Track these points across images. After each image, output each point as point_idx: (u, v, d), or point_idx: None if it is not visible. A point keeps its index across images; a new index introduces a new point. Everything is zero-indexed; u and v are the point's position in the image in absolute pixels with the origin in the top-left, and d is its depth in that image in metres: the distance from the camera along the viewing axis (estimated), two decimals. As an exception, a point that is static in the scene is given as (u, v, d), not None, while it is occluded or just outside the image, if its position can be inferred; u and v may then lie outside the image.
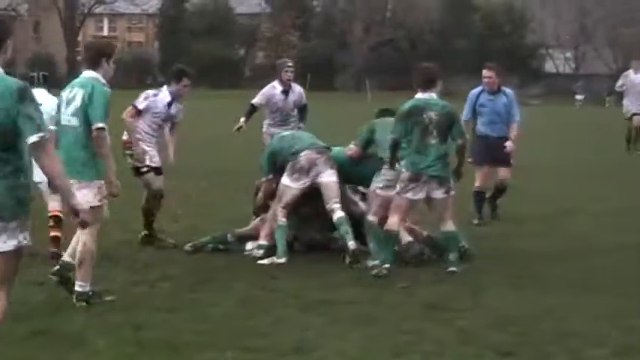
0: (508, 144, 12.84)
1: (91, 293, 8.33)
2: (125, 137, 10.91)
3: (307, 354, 6.92)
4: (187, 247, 10.71)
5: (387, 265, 9.70)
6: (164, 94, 10.91)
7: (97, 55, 8.77)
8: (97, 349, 6.99)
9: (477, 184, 13.12)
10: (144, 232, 11.01)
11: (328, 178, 10.47)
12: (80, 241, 8.36)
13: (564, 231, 12.48)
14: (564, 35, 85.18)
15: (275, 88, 13.77)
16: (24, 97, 5.68)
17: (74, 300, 8.32)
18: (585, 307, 8.40)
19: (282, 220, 10.41)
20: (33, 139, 5.64)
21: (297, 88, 13.98)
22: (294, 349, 7.02)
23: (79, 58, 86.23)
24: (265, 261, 10.19)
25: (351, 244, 10.10)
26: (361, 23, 79.72)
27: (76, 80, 8.73)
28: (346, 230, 10.21)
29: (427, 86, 9.98)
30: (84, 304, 8.26)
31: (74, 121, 8.41)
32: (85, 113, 8.35)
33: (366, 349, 7.07)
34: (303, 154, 10.53)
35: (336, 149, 11.05)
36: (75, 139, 8.34)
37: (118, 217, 10.98)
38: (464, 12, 79.04)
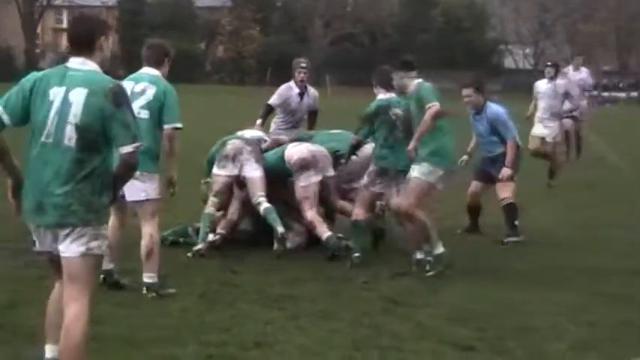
0: (503, 171, 11.67)
1: (159, 284, 8.50)
2: None
3: (268, 348, 6.93)
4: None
5: (357, 254, 9.88)
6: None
7: (163, 55, 8.88)
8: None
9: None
10: None
11: (252, 173, 10.52)
12: (145, 233, 8.51)
13: (523, 226, 12.54)
14: (524, 31, 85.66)
15: (292, 89, 12.66)
16: (120, 100, 5.49)
17: (144, 291, 8.47)
18: (544, 302, 8.48)
19: (210, 208, 10.55)
20: (127, 149, 5.47)
21: (312, 91, 12.88)
22: (255, 343, 7.02)
23: (37, 50, 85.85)
24: (190, 254, 10.27)
25: (279, 229, 10.20)
26: (321, 18, 79.71)
27: (140, 75, 8.79)
28: (274, 218, 10.29)
29: (388, 87, 10.16)
30: (154, 294, 8.42)
31: (144, 114, 8.41)
32: (157, 109, 8.46)
33: (326, 343, 7.09)
34: (230, 142, 10.67)
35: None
36: (145, 132, 8.02)
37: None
38: (424, 7, 79.17)
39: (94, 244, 5.52)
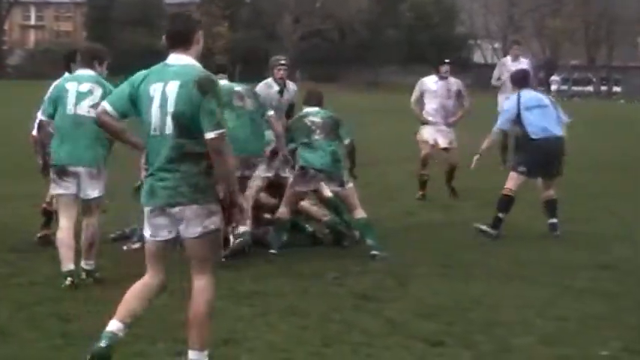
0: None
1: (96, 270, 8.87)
2: (35, 133, 10.62)
3: (237, 345, 6.92)
4: (112, 235, 10.99)
5: (273, 251, 10.19)
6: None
7: (91, 58, 9.13)
8: (25, 341, 6.93)
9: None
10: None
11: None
12: (90, 225, 8.83)
13: (490, 221, 12.59)
14: (493, 26, 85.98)
15: (271, 86, 12.60)
16: (206, 89, 5.83)
17: (84, 277, 8.78)
18: (512, 297, 8.52)
19: None
20: (211, 135, 5.77)
21: (291, 86, 12.85)
22: (224, 340, 7.00)
23: (5, 47, 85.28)
24: (124, 247, 10.46)
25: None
26: (291, 14, 79.68)
27: (81, 76, 8.96)
28: None
29: (314, 105, 10.88)
30: (91, 280, 8.77)
31: (93, 113, 8.42)
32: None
33: (296, 340, 7.09)
34: None
35: None
36: (96, 130, 8.22)
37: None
38: (393, 3, 79.38)
39: (207, 222, 5.92)
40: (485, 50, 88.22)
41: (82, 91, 8.78)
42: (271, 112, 10.32)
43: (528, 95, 11.80)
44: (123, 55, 43.08)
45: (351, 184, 10.50)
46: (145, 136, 6.05)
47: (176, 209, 5.89)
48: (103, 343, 6.07)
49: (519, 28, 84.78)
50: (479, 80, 72.54)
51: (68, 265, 8.69)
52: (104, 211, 12.53)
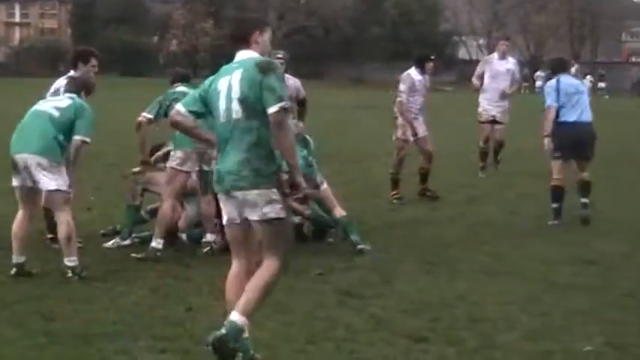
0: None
1: (81, 268, 8.83)
2: None
3: (221, 342, 6.90)
4: (102, 231, 10.98)
5: None
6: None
7: (77, 88, 9.41)
8: (7, 339, 6.89)
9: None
10: None
11: None
12: (62, 222, 8.82)
13: (475, 217, 12.63)
14: (477, 22, 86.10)
15: None
16: (266, 69, 6.14)
17: (70, 274, 8.73)
18: (496, 293, 8.52)
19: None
20: (273, 109, 6.03)
21: (290, 82, 12.28)
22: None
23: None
24: (109, 243, 10.40)
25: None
26: (275, 11, 79.59)
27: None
28: None
29: None
30: (77, 277, 8.69)
31: (54, 112, 8.93)
32: (68, 119, 8.95)
33: (280, 336, 7.08)
34: None
35: None
36: (57, 126, 8.85)
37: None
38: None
39: (267, 209, 6.12)
40: (470, 47, 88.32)
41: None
42: None
43: (567, 81, 12.24)
44: (107, 53, 42.85)
45: (325, 185, 10.57)
46: (216, 128, 6.35)
47: (238, 193, 6.14)
48: (223, 330, 6.21)
49: (504, 25, 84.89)
50: (464, 76, 72.78)
51: (15, 257, 8.90)
52: (89, 209, 12.57)
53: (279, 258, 6.26)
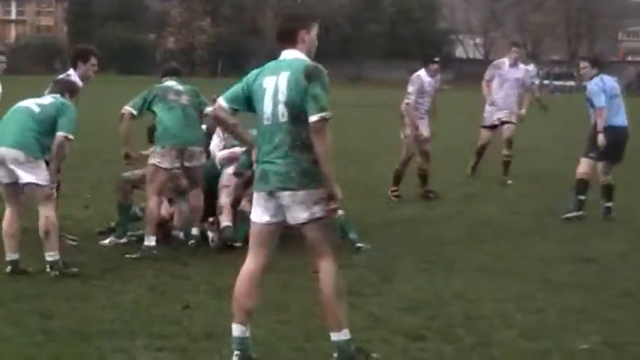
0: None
1: (61, 263, 8.83)
2: None
3: (218, 339, 6.90)
4: (98, 229, 10.99)
5: (238, 244, 10.08)
6: (75, 79, 10.61)
7: (63, 91, 9.46)
8: (4, 337, 6.89)
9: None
10: None
11: None
12: (41, 216, 8.83)
13: (473, 216, 12.64)
14: (474, 21, 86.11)
15: None
16: (312, 76, 6.13)
17: (48, 269, 8.74)
18: (493, 291, 8.53)
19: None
20: (314, 118, 6.04)
21: None
22: (206, 335, 7.00)
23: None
24: (106, 241, 10.38)
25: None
26: (272, 9, 79.56)
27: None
28: None
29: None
30: (57, 273, 8.72)
31: (36, 108, 9.00)
32: (50, 115, 8.97)
33: (278, 334, 7.09)
34: None
35: None
36: (37, 122, 8.94)
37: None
38: (375, -3, 79.39)
39: (315, 208, 6.12)
40: (467, 45, 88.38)
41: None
42: (210, 109, 10.23)
43: (610, 83, 12.35)
44: (104, 50, 42.82)
45: None
46: (259, 126, 6.31)
47: (286, 193, 6.13)
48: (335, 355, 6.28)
49: (501, 23, 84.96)
50: (461, 75, 72.87)
51: (8, 255, 8.94)
52: (86, 207, 12.57)
53: (331, 255, 6.32)
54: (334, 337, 6.24)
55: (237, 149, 10.69)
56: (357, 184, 15.26)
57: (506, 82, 16.05)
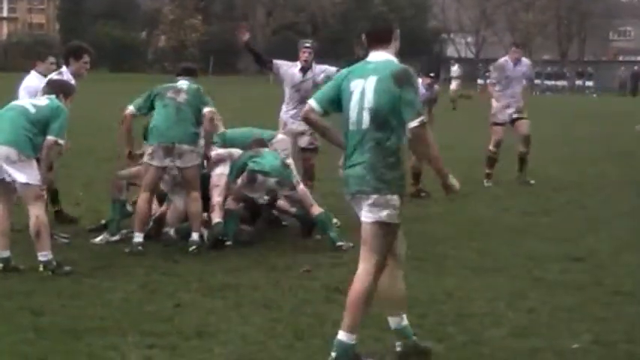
0: None
1: (54, 263, 8.80)
2: None
3: (210, 338, 6.91)
4: (90, 227, 11.00)
5: (229, 242, 10.23)
6: (67, 76, 10.59)
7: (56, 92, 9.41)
8: (-5, 335, 6.89)
9: None
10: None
11: None
12: (32, 215, 8.80)
13: (464, 214, 12.65)
14: (465, 20, 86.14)
15: (296, 65, 12.48)
16: (403, 81, 6.11)
17: (42, 269, 8.72)
18: (483, 289, 8.54)
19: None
20: (413, 124, 6.05)
21: (317, 69, 12.35)
22: (197, 333, 7.00)
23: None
24: (98, 239, 10.36)
25: None
26: (263, 7, 79.54)
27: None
28: None
29: None
30: (50, 273, 8.68)
31: (31, 108, 9.00)
32: (44, 117, 8.97)
33: (269, 332, 7.09)
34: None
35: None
36: (30, 122, 8.91)
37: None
38: (366, -5, 79.33)
39: (383, 212, 6.16)
40: (459, 44, 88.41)
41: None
42: (208, 109, 10.23)
43: None
44: (96, 48, 42.70)
45: (301, 186, 10.77)
46: (343, 128, 6.35)
47: (362, 196, 6.19)
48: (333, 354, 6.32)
49: (492, 22, 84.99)
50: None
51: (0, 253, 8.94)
52: (77, 204, 12.55)
53: (374, 264, 6.30)
54: (340, 335, 6.30)
55: (223, 151, 10.71)
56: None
57: (513, 80, 16.06)
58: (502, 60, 16.50)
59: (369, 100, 6.13)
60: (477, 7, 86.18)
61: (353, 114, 6.22)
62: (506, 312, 7.75)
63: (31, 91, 10.65)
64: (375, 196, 6.14)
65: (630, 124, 29.39)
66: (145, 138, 10.35)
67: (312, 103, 6.45)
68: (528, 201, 13.68)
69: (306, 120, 6.56)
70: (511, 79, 16.05)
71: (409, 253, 9.81)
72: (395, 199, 6.17)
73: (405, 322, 6.54)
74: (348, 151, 6.30)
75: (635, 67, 69.60)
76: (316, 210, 10.54)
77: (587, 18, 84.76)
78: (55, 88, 9.47)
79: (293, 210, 10.95)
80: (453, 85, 42.39)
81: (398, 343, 6.53)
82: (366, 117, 6.15)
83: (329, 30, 76.66)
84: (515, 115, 15.88)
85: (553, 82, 68.73)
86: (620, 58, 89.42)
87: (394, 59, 6.30)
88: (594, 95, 62.00)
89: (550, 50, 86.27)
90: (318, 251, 10.02)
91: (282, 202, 11.00)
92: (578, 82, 69.11)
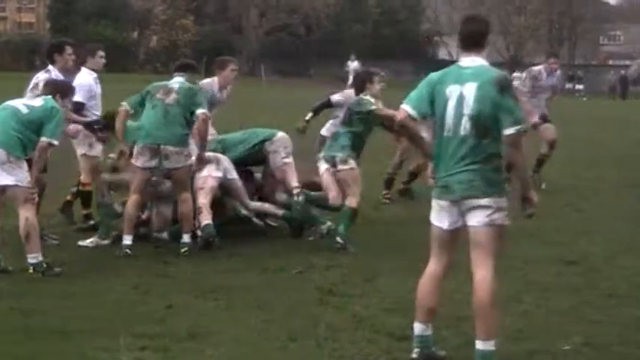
0: None
1: (44, 265, 8.73)
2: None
3: (202, 339, 6.87)
4: (80, 225, 11.06)
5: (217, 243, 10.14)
6: (55, 74, 10.56)
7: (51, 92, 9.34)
8: (-16, 336, 6.84)
9: None
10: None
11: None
12: (22, 217, 8.73)
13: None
14: (458, 23, 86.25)
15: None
16: (504, 88, 6.10)
17: (31, 271, 8.67)
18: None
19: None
20: (510, 131, 6.05)
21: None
22: (189, 334, 6.96)
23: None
24: (87, 242, 10.27)
25: None
26: (256, 8, 79.52)
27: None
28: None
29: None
30: (40, 275, 8.62)
31: (24, 109, 8.97)
32: (37, 117, 8.92)
33: (261, 334, 7.06)
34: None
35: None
36: (20, 123, 8.87)
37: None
38: (359, -3, 79.40)
39: (495, 215, 6.21)
40: (451, 47, 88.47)
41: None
42: (201, 111, 10.13)
43: None
44: (87, 48, 42.57)
45: (348, 167, 10.57)
46: (437, 134, 6.28)
47: (470, 201, 6.16)
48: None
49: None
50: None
51: None
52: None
53: (493, 265, 6.37)
54: (479, 345, 6.29)
55: (210, 154, 10.68)
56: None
57: (542, 90, 16.05)
58: (537, 69, 16.39)
59: (470, 106, 6.09)
60: (469, 10, 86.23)
61: (449, 120, 6.16)
62: (502, 315, 7.70)
63: (85, 88, 10.89)
64: (485, 200, 6.15)
65: (623, 127, 29.42)
66: (126, 136, 10.28)
67: (406, 107, 6.34)
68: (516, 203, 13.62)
69: (402, 125, 6.43)
70: (541, 88, 16.03)
71: (402, 255, 9.86)
72: (504, 201, 6.24)
73: (430, 331, 6.52)
74: (444, 157, 6.24)
75: (622, 72, 70.15)
76: (349, 201, 10.54)
77: (578, 22, 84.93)
78: (51, 88, 9.39)
79: (280, 212, 10.92)
80: None
81: (416, 350, 6.48)
82: (465, 123, 6.11)
83: (322, 31, 76.63)
84: (538, 122, 15.68)
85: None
86: (610, 62, 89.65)
87: (490, 66, 6.29)
88: (584, 99, 62.13)
89: (542, 54, 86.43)
90: (311, 252, 9.98)
91: (267, 206, 10.97)
92: (569, 86, 69.23)
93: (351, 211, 10.46)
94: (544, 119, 15.82)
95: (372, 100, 10.66)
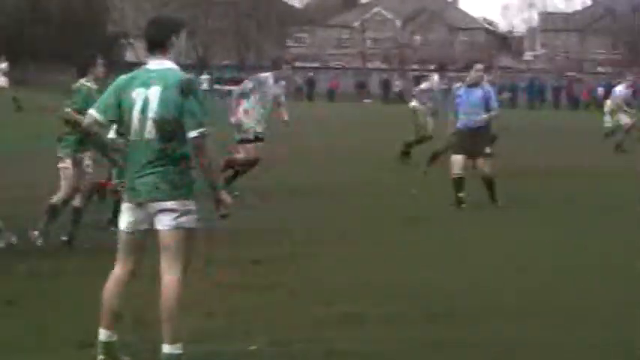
0: None
1: None
2: None
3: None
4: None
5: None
6: None
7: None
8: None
9: None
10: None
11: None
12: None
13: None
14: (144, 25, 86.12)
15: None
16: (188, 92, 6.08)
17: None
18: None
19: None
20: (192, 134, 6.05)
21: None
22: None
23: None
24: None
25: None
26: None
27: None
28: None
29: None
30: None
31: None
32: None
33: None
34: None
35: None
36: None
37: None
38: (40, -3, 77.66)
39: (182, 218, 6.14)
40: (138, 49, 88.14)
41: None
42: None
43: None
44: None
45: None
46: (127, 140, 6.25)
47: (157, 204, 6.11)
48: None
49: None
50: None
51: None
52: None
53: (181, 271, 6.28)
54: (166, 349, 6.23)
55: None
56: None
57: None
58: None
59: (153, 109, 6.08)
60: (157, 12, 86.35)
61: (135, 123, 6.14)
62: (185, 317, 7.64)
63: None
64: (171, 203, 6.11)
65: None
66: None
67: (93, 113, 6.32)
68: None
69: (88, 132, 6.47)
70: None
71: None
72: (192, 203, 6.20)
73: (116, 337, 6.41)
74: (131, 161, 6.22)
75: (310, 74, 72.99)
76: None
77: (264, 25, 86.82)
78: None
79: None
80: None
81: (100, 357, 6.35)
82: (149, 127, 6.09)
83: (1, 31, 74.25)
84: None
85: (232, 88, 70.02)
86: (297, 64, 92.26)
87: (176, 67, 6.27)
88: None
89: (230, 56, 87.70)
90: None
91: None
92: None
93: None
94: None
95: None
